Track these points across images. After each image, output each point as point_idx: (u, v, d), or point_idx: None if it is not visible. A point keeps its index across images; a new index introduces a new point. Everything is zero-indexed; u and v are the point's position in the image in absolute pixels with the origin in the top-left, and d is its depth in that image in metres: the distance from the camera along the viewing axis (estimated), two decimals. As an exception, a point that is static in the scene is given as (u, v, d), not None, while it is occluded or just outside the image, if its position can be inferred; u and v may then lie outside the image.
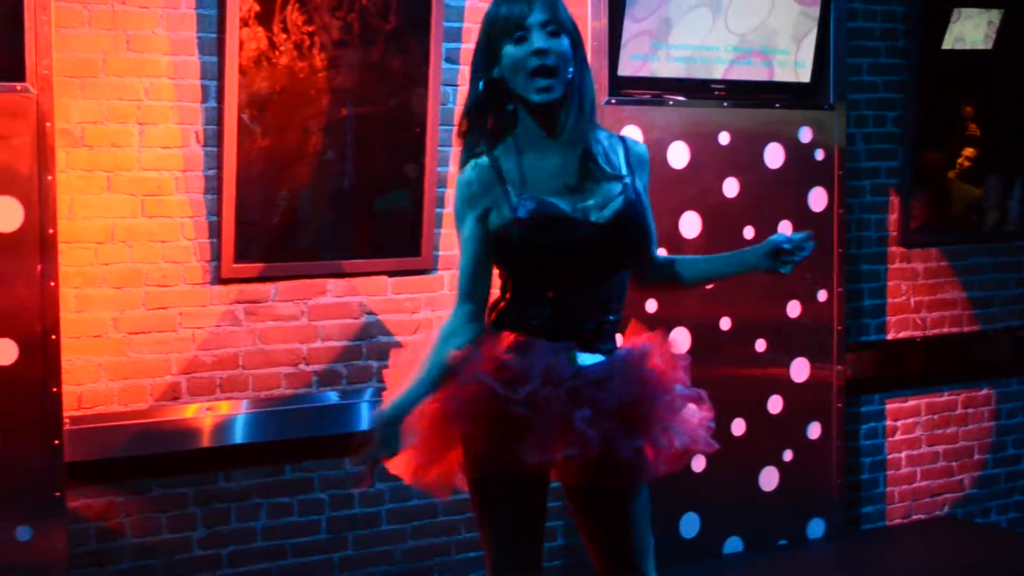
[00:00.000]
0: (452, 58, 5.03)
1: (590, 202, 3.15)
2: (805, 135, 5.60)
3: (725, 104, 5.42)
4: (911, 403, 6.26)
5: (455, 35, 5.02)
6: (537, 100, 3.10)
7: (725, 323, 5.47)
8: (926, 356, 6.24)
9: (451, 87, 5.03)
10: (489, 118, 3.18)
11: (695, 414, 3.37)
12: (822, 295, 5.65)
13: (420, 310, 5.03)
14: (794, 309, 5.60)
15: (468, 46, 5.05)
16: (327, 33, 4.71)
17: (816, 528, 5.70)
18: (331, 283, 4.86)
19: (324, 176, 4.81)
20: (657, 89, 5.31)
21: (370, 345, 4.95)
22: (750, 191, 5.47)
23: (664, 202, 5.30)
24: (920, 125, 6.16)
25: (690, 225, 5.37)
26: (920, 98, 6.13)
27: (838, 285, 5.68)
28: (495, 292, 3.30)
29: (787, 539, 5.65)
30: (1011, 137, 6.50)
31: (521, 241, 3.10)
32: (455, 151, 4.98)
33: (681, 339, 5.36)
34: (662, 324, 5.26)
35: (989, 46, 6.30)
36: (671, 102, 5.32)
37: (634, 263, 3.30)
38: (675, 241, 5.34)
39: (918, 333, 6.24)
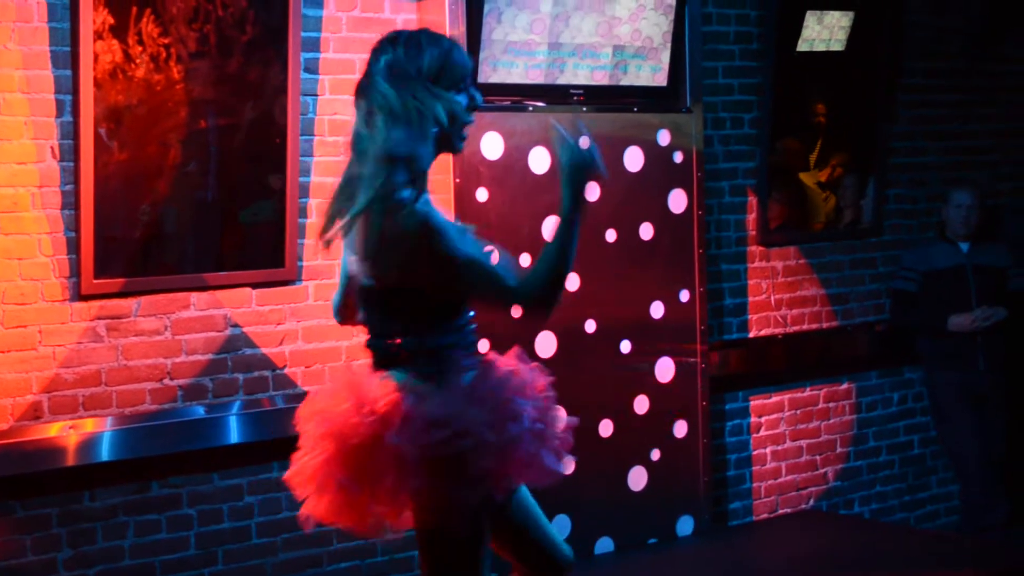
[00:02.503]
0: (311, 68, 5.01)
1: None
2: (664, 138, 5.68)
3: (584, 109, 5.48)
4: (774, 399, 6.37)
5: (313, 45, 5.01)
6: (460, 150, 3.36)
7: (590, 326, 5.53)
8: (788, 353, 6.36)
9: (311, 97, 5.02)
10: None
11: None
12: (684, 295, 5.73)
13: (285, 321, 5.01)
14: (657, 310, 5.67)
15: (327, 55, 5.05)
16: (183, 45, 4.67)
17: (685, 525, 5.78)
18: (194, 296, 4.82)
19: (185, 189, 4.76)
20: (517, 95, 5.34)
21: (235, 358, 4.91)
22: (611, 194, 5.53)
23: (526, 208, 5.35)
24: (776, 126, 6.28)
25: (553, 229, 5.40)
26: (775, 100, 6.25)
27: (700, 285, 5.76)
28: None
29: (657, 537, 5.72)
30: (864, 137, 6.65)
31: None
32: (317, 161, 5.01)
33: (546, 343, 5.40)
34: (529, 329, 5.34)
35: (842, 48, 6.44)
36: (531, 108, 5.36)
37: None
38: (538, 246, 5.32)
39: (779, 330, 6.36)
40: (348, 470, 3.18)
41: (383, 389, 3.20)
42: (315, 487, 3.25)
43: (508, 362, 3.40)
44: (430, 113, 3.20)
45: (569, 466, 5.13)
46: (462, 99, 3.29)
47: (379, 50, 3.29)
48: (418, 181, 3.25)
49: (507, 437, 3.20)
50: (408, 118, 3.19)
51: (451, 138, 3.30)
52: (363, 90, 3.27)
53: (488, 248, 3.28)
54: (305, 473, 3.27)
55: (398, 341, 3.29)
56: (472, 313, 3.40)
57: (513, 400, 3.26)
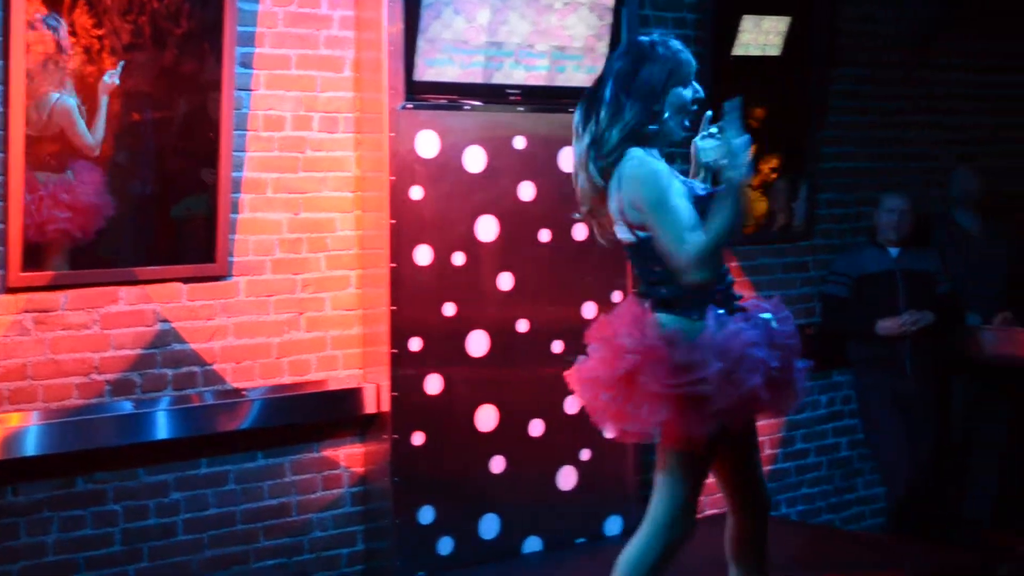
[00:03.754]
0: (246, 63, 4.98)
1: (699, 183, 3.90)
2: (599, 140, 5.67)
3: (520, 109, 5.48)
4: (704, 400, 6.39)
5: (248, 39, 4.98)
6: (681, 137, 3.89)
7: (522, 326, 5.53)
8: (719, 355, 6.38)
9: (245, 92, 4.98)
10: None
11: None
12: (617, 297, 5.75)
13: (216, 317, 4.98)
14: (590, 311, 5.68)
15: (262, 50, 5.02)
16: (117, 37, 4.62)
17: (613, 526, 5.80)
18: (123, 291, 4.78)
19: (117, 182, 4.72)
20: (453, 94, 5.34)
21: (164, 353, 4.88)
22: (546, 194, 5.54)
23: (461, 206, 5.35)
24: (711, 129, 6.31)
25: (487, 229, 5.42)
26: (712, 103, 6.26)
27: (632, 286, 5.78)
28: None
29: (585, 537, 5.74)
30: (797, 141, 6.70)
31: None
32: (250, 156, 4.98)
33: (479, 342, 5.41)
34: (461, 327, 5.35)
35: (778, 53, 6.48)
36: (467, 107, 5.36)
37: None
38: (472, 245, 5.38)
39: (710, 332, 6.38)
40: (613, 393, 3.71)
41: (646, 332, 3.69)
42: (586, 395, 3.82)
43: (762, 309, 3.84)
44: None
45: (498, 464, 5.16)
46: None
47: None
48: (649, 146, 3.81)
49: (743, 387, 3.62)
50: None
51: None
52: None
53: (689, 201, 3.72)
54: (581, 379, 3.82)
55: (658, 288, 3.79)
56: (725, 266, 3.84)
57: (753, 352, 3.65)
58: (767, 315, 3.81)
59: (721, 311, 3.72)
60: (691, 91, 3.87)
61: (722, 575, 4.23)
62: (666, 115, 3.83)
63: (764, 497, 4.07)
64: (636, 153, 3.76)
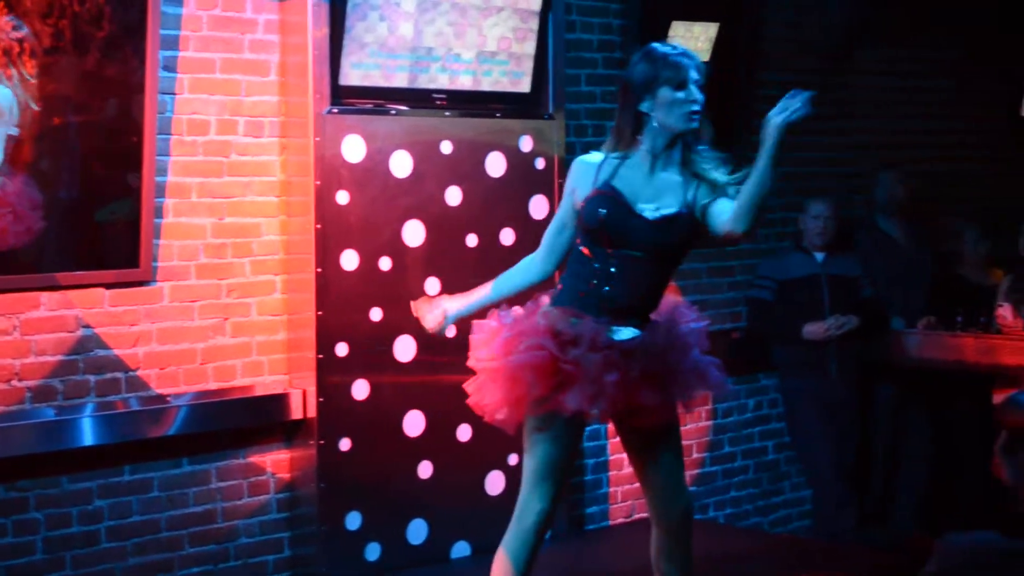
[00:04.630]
0: (169, 66, 4.95)
1: (651, 204, 4.03)
2: (526, 144, 5.70)
3: (447, 114, 5.48)
4: (632, 405, 6.42)
5: (172, 43, 4.94)
6: (684, 128, 4.07)
7: (450, 331, 5.49)
8: (646, 359, 6.40)
9: (169, 95, 4.95)
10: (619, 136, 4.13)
11: (705, 370, 4.19)
12: (544, 301, 5.74)
13: (139, 322, 4.93)
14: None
15: (186, 54, 4.99)
16: (38, 40, 4.58)
17: (541, 530, 5.79)
18: (45, 296, 4.72)
19: (39, 186, 4.66)
20: (379, 98, 5.33)
21: (87, 359, 4.83)
22: (473, 199, 5.54)
23: (388, 211, 5.34)
24: (638, 135, 6.33)
25: (414, 233, 5.41)
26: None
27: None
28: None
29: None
30: (723, 147, 6.71)
31: (583, 213, 4.04)
32: (174, 160, 4.95)
33: (406, 348, 5.39)
34: (388, 333, 5.33)
35: (707, 59, 6.52)
36: (393, 111, 5.35)
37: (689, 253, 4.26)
38: (399, 250, 5.37)
39: (638, 337, 6.40)
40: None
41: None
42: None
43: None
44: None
45: (425, 470, 5.14)
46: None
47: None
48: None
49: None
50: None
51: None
52: None
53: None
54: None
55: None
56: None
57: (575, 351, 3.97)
58: (623, 329, 4.02)
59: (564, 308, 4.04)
60: (685, 94, 4.05)
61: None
62: (655, 113, 4.05)
63: (678, 508, 4.16)
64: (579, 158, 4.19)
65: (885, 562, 5.75)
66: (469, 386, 4.18)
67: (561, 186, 5.75)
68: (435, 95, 5.46)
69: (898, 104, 7.65)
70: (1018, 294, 6.65)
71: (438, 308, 4.29)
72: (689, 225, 4.08)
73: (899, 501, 7.12)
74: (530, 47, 5.64)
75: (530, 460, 4.09)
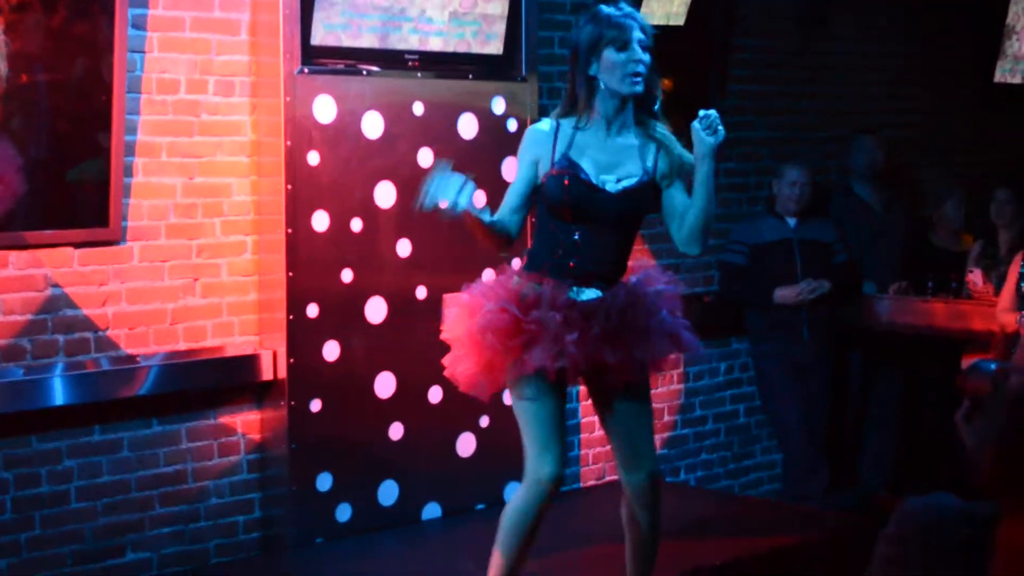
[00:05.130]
0: (139, 24, 4.91)
1: (612, 175, 4.08)
2: (498, 106, 5.69)
3: (419, 75, 5.46)
4: (604, 368, 6.43)
5: (141, 1, 4.91)
6: (628, 92, 4.08)
7: (421, 292, 5.52)
8: (618, 322, 6.41)
9: (138, 54, 4.92)
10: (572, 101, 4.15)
11: (674, 330, 4.24)
12: (516, 263, 5.74)
13: (108, 282, 4.91)
14: (489, 278, 5.67)
15: (155, 12, 4.96)
16: (3, -3, 4.54)
17: (513, 491, 5.79)
18: (13, 255, 4.70)
19: (7, 145, 4.64)
20: (351, 59, 5.30)
21: (56, 319, 4.81)
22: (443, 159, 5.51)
23: (359, 172, 5.32)
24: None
25: (385, 195, 5.40)
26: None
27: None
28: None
29: (485, 503, 5.75)
30: (698, 111, 6.72)
31: (546, 189, 4.08)
32: (144, 120, 4.92)
33: (377, 309, 5.39)
34: (359, 294, 5.33)
35: (682, 23, 6.51)
36: (365, 72, 5.33)
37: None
38: (370, 211, 5.36)
39: (610, 300, 6.41)
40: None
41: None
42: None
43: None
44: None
45: (396, 431, 5.14)
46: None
47: None
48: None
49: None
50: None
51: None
52: None
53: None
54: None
55: None
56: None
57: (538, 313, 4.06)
58: (585, 290, 4.09)
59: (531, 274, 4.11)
60: (627, 55, 4.05)
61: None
62: (601, 76, 4.07)
63: (643, 472, 4.18)
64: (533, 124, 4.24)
65: (854, 524, 5.78)
66: (446, 359, 4.22)
67: (533, 148, 5.77)
68: (407, 56, 5.44)
69: (872, 70, 7.66)
70: (988, 260, 6.68)
71: (454, 184, 4.01)
72: (651, 192, 4.15)
73: (867, 464, 7.16)
74: (502, 8, 5.62)
75: (526, 428, 4.13)
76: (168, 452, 5.11)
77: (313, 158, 5.20)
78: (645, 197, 4.14)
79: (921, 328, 6.74)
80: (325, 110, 5.22)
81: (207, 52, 5.10)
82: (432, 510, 5.62)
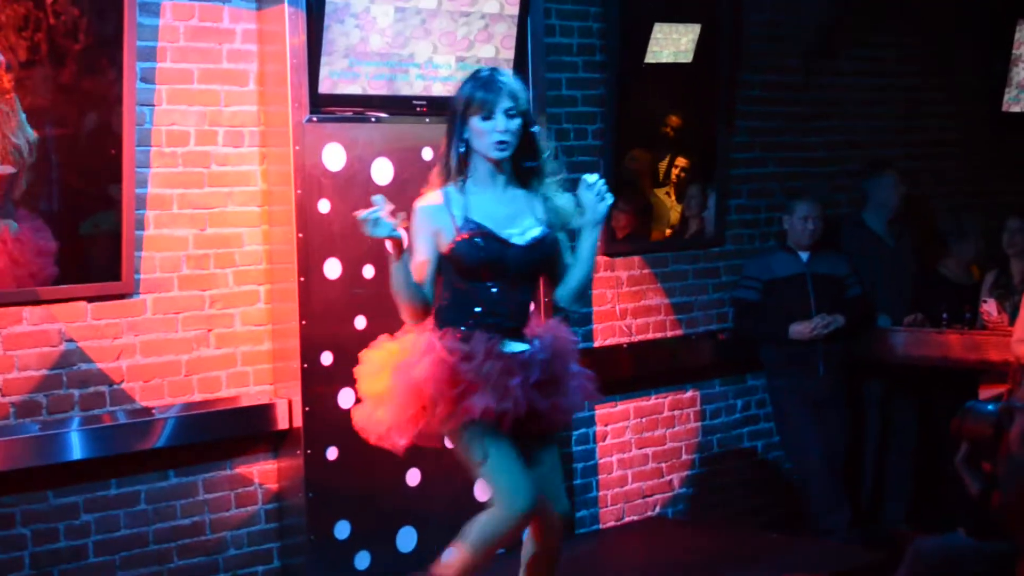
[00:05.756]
0: (147, 78, 4.94)
1: (515, 229, 4.20)
2: (507, 149, 5.68)
3: (427, 120, 5.47)
4: (620, 408, 6.43)
5: (149, 55, 4.93)
6: (496, 157, 4.21)
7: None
8: (633, 361, 6.42)
9: (147, 107, 4.94)
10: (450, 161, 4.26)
11: (583, 381, 4.40)
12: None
13: (122, 335, 4.92)
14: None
15: (164, 65, 4.98)
16: (13, 53, 4.56)
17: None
18: (27, 311, 4.71)
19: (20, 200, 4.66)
20: (359, 106, 5.32)
21: (71, 373, 4.81)
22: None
23: (369, 219, 5.31)
24: (620, 138, 6.34)
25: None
26: (619, 111, 6.31)
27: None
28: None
29: (504, 548, 5.70)
30: (706, 147, 6.75)
31: (460, 253, 4.15)
32: (154, 172, 4.94)
33: (391, 354, 5.38)
34: (372, 340, 5.30)
35: (689, 60, 6.53)
36: (373, 119, 5.34)
37: (547, 280, 4.43)
38: (382, 257, 5.30)
39: (624, 339, 6.42)
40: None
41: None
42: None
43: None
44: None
45: (414, 477, 5.14)
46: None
47: None
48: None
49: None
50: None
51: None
52: None
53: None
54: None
55: None
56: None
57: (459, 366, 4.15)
58: (513, 344, 4.21)
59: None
60: (492, 124, 4.17)
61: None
62: (473, 140, 4.21)
63: (556, 514, 4.30)
64: (424, 196, 4.28)
65: (877, 559, 5.75)
66: (357, 411, 4.32)
67: (544, 190, 5.78)
68: (415, 101, 5.45)
69: (879, 103, 7.67)
70: (1002, 289, 6.66)
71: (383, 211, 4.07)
72: (554, 241, 4.30)
73: (888, 497, 7.12)
74: (509, 52, 5.63)
75: (489, 476, 4.22)
76: (185, 504, 5.10)
77: (324, 206, 5.20)
78: (552, 246, 4.28)
79: (937, 360, 6.71)
80: (334, 158, 5.24)
81: (216, 103, 5.12)
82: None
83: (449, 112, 4.27)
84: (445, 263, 4.22)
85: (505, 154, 4.20)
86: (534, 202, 4.28)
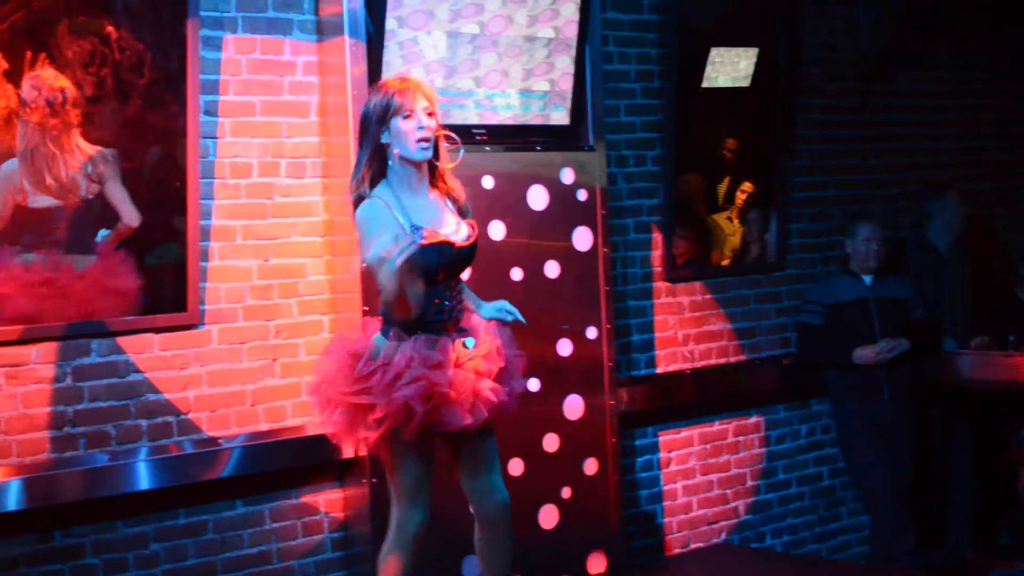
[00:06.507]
0: (211, 111, 4.99)
1: (449, 230, 4.32)
2: (567, 176, 5.71)
3: (487, 148, 5.49)
4: (684, 434, 6.41)
5: (212, 87, 4.99)
6: (419, 158, 4.29)
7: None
8: (696, 387, 6.40)
9: (211, 140, 4.99)
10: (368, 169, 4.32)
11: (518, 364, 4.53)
12: (591, 332, 5.75)
13: (188, 366, 4.96)
14: (565, 347, 5.68)
15: (227, 98, 5.04)
16: (80, 89, 4.63)
17: (597, 563, 5.77)
18: (95, 343, 4.76)
19: (87, 233, 4.72)
20: (419, 136, 5.34)
21: (138, 404, 4.86)
22: (516, 233, 5.55)
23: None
24: (680, 163, 6.34)
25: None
26: (678, 137, 6.31)
27: (607, 322, 5.78)
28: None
29: (569, 575, 5.71)
30: (766, 172, 6.73)
31: (419, 260, 4.15)
32: (218, 204, 4.99)
33: (455, 382, 5.39)
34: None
35: (747, 84, 6.53)
36: (434, 148, 5.36)
37: None
38: (444, 285, 5.37)
39: (687, 365, 6.40)
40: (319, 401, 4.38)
41: (338, 349, 4.39)
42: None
43: (472, 334, 4.45)
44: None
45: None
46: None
47: None
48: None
49: (398, 396, 4.19)
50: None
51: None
52: None
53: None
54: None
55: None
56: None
57: (416, 369, 4.23)
58: (468, 339, 4.36)
59: (420, 334, 4.25)
60: (412, 122, 4.26)
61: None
62: (394, 143, 4.28)
63: (496, 502, 4.46)
64: (365, 202, 4.28)
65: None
66: (324, 414, 4.31)
67: (605, 217, 5.79)
68: (475, 130, 5.48)
69: (938, 123, 7.63)
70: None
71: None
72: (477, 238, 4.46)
73: (953, 522, 7.04)
74: (568, 79, 5.65)
75: (403, 478, 4.34)
76: (252, 533, 5.13)
77: (383, 235, 5.22)
78: (475, 243, 4.43)
79: (1004, 383, 6.64)
80: (396, 187, 5.26)
81: (278, 135, 5.17)
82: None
83: (363, 119, 4.33)
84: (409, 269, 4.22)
85: (428, 153, 4.30)
86: (447, 204, 4.42)
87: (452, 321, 4.36)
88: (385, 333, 4.29)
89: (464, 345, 4.34)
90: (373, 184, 4.31)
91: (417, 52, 5.24)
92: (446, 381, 4.21)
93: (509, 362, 4.44)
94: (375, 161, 4.31)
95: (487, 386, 4.30)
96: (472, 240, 4.39)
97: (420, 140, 4.28)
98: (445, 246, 4.29)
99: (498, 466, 4.48)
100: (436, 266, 4.27)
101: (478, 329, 4.45)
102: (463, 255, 4.37)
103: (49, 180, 4.64)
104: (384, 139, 4.29)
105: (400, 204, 4.28)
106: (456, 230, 4.35)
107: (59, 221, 4.68)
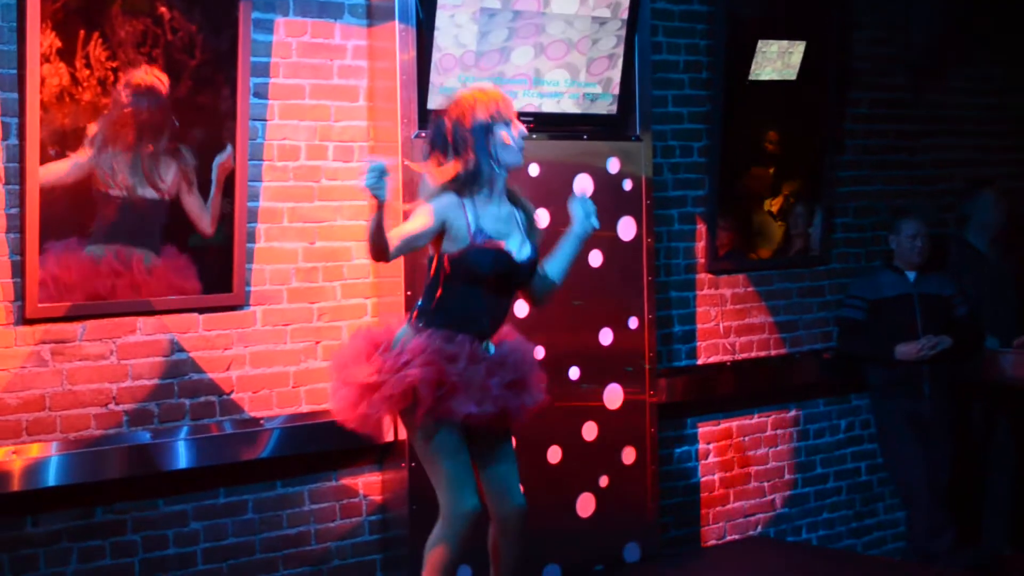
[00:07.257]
0: (260, 93, 5.01)
1: (514, 245, 4.40)
2: (613, 166, 5.70)
3: (534, 136, 5.48)
4: (723, 426, 6.40)
5: (263, 70, 5.01)
6: (518, 164, 4.47)
7: (539, 352, 5.51)
8: (736, 379, 6.39)
9: (260, 122, 5.01)
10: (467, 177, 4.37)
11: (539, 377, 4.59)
12: (633, 322, 5.75)
13: (232, 346, 4.99)
14: (606, 337, 5.69)
15: (277, 80, 5.05)
16: (132, 69, 4.66)
17: (632, 552, 5.78)
18: (141, 321, 4.80)
19: (134, 213, 4.75)
20: (467, 122, 5.34)
21: (182, 383, 4.89)
22: (561, 221, 5.49)
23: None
24: (725, 155, 6.32)
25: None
26: (724, 129, 6.29)
27: (649, 312, 5.79)
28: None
29: (604, 564, 5.72)
30: (813, 166, 6.70)
31: (472, 261, 4.29)
32: (266, 186, 5.01)
33: (496, 369, 5.40)
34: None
35: (794, 77, 6.50)
36: (481, 135, 5.36)
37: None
38: (488, 272, 5.37)
39: (727, 357, 6.39)
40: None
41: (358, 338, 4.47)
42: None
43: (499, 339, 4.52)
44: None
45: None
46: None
47: None
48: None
49: (405, 379, 4.29)
50: None
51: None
52: None
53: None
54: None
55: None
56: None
57: (429, 356, 4.31)
58: (490, 345, 4.41)
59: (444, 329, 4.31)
60: (515, 132, 4.42)
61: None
62: (496, 152, 4.38)
63: (514, 506, 4.48)
64: (440, 195, 4.37)
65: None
66: (340, 397, 4.37)
67: (649, 207, 5.79)
68: (523, 118, 5.46)
69: (988, 121, 7.57)
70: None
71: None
72: (538, 258, 4.53)
73: (990, 520, 7.01)
74: (617, 70, 5.64)
75: (438, 473, 4.37)
76: (291, 514, 5.16)
77: (430, 220, 5.23)
78: (535, 264, 4.50)
79: (1048, 382, 6.61)
80: (442, 173, 5.26)
81: (327, 119, 5.19)
82: (552, 572, 5.60)
83: (466, 126, 4.36)
84: (449, 263, 4.35)
85: (522, 159, 4.45)
86: (518, 218, 4.50)
87: (485, 330, 4.40)
88: (415, 327, 4.35)
89: (485, 349, 4.38)
90: (481, 188, 4.38)
91: (469, 39, 5.24)
92: (456, 372, 4.26)
93: (527, 375, 4.49)
94: (473, 169, 4.35)
95: (497, 384, 4.35)
96: (531, 261, 4.45)
97: (521, 148, 4.42)
98: (501, 254, 4.34)
99: (515, 471, 4.53)
100: (487, 271, 4.33)
101: (506, 342, 4.50)
102: (516, 268, 4.40)
103: (128, 177, 4.70)
104: (489, 146, 4.37)
105: (473, 208, 4.35)
106: (519, 248, 4.41)
107: (129, 216, 4.74)
